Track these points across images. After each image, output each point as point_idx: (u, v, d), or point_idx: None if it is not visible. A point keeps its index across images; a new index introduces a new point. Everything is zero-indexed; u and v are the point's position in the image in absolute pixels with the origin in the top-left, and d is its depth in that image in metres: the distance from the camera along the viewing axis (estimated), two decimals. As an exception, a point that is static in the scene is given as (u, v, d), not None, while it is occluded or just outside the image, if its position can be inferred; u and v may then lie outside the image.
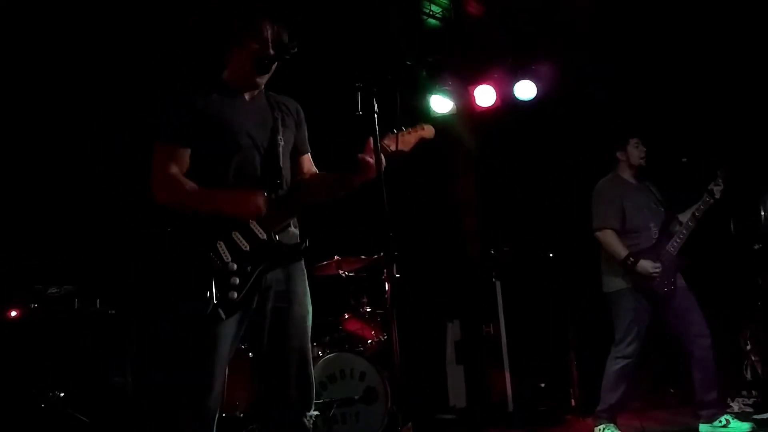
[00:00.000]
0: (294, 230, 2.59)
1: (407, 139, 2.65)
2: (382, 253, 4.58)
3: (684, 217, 4.42)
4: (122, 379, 4.14)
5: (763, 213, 5.06)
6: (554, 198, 6.27)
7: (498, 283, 5.66)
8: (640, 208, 4.46)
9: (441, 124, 6.56)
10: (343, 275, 4.98)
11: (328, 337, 4.74)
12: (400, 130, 2.63)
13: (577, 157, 5.93)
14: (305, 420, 2.47)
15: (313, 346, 4.65)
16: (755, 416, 4.60)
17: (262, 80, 2.59)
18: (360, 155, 2.49)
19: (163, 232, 2.39)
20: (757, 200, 5.05)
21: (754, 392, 5.01)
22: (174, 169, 2.43)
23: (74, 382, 4.11)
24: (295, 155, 2.71)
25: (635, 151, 4.55)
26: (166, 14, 4.60)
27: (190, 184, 2.42)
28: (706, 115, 5.84)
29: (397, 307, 4.87)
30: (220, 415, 4.12)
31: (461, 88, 6.44)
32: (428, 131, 2.75)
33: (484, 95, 6.40)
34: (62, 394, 3.99)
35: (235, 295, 2.32)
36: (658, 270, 4.26)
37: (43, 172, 4.74)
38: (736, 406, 4.98)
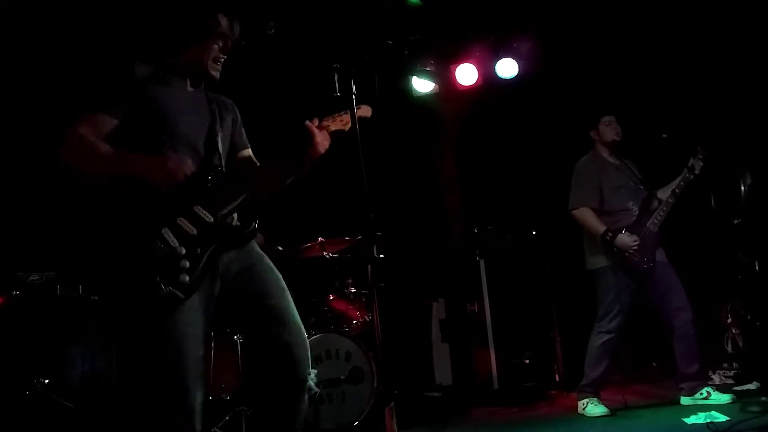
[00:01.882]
0: (238, 217, 2.56)
1: (344, 119, 2.63)
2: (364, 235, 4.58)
3: (664, 193, 4.46)
4: (106, 364, 4.13)
5: (742, 188, 5.10)
6: (537, 176, 6.29)
7: (482, 262, 5.69)
8: (618, 187, 4.50)
9: (423, 103, 6.56)
10: (328, 257, 4.98)
11: (313, 319, 4.75)
12: (338, 110, 2.61)
13: (559, 135, 5.94)
14: (309, 379, 2.50)
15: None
16: (736, 388, 4.67)
17: (217, 74, 2.58)
18: (305, 123, 2.50)
19: (105, 223, 2.33)
20: (737, 176, 5.08)
21: (734, 364, 5.09)
22: (85, 130, 2.33)
23: (58, 368, 4.09)
24: (234, 151, 2.70)
25: (607, 130, 4.59)
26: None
27: (103, 145, 2.33)
28: (687, 91, 5.86)
29: (381, 287, 4.90)
30: (207, 398, 4.16)
31: (442, 67, 6.42)
32: (365, 110, 2.72)
33: (466, 74, 6.39)
34: (46, 381, 3.98)
35: (187, 278, 2.28)
36: (636, 244, 4.30)
37: (21, 158, 4.69)
38: (717, 379, 5.06)
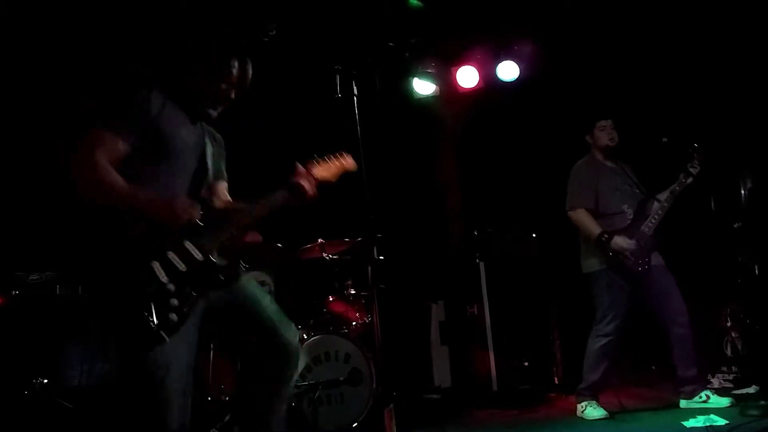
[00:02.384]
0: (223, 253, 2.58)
1: (331, 168, 2.70)
2: (364, 236, 4.59)
3: (660, 197, 4.45)
4: (106, 365, 4.13)
5: (743, 191, 5.10)
6: (537, 179, 6.29)
7: (481, 264, 5.68)
8: (614, 189, 4.51)
9: (424, 106, 6.56)
10: (327, 258, 4.98)
11: (312, 320, 4.75)
12: (321, 158, 2.69)
13: (559, 137, 5.94)
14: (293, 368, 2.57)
15: (297, 329, 4.66)
16: (735, 391, 4.66)
17: (215, 113, 2.61)
18: (294, 178, 2.57)
19: (94, 251, 2.30)
20: (737, 178, 5.09)
21: (734, 368, 5.08)
22: (102, 157, 2.32)
23: (57, 368, 4.09)
24: (215, 180, 2.71)
25: (601, 135, 4.59)
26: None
27: (118, 176, 2.33)
28: (687, 94, 5.87)
29: (381, 288, 4.90)
30: (206, 399, 4.16)
31: (443, 69, 6.42)
32: (349, 163, 2.81)
33: (467, 76, 6.39)
34: (45, 381, 3.98)
35: (175, 317, 2.27)
36: (632, 247, 4.30)
37: (23, 159, 4.69)
38: (716, 382, 5.05)
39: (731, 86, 5.59)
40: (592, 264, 4.49)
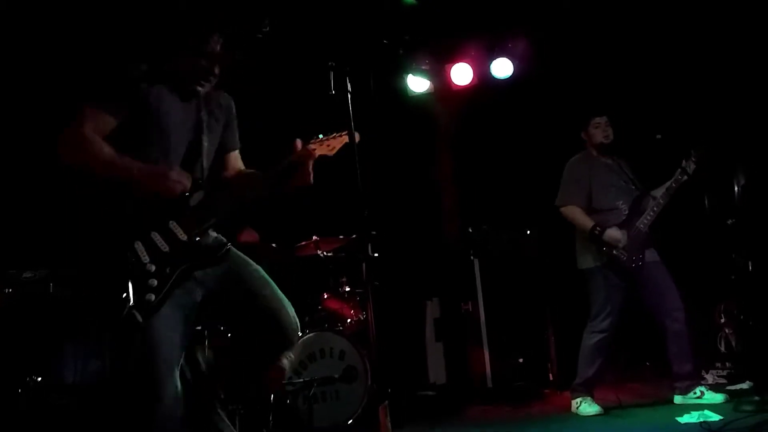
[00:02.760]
0: (214, 234, 2.55)
1: (332, 144, 2.64)
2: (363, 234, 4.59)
3: (656, 194, 4.46)
4: (100, 362, 4.11)
5: (736, 188, 5.11)
6: (532, 176, 6.29)
7: (476, 261, 5.69)
8: (608, 186, 4.51)
9: (418, 103, 6.55)
10: (322, 255, 4.98)
11: (307, 317, 4.75)
12: (325, 135, 2.62)
13: (554, 134, 5.94)
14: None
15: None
16: (729, 387, 4.68)
17: (203, 89, 2.56)
18: (293, 157, 2.51)
19: (79, 228, 2.31)
20: (731, 176, 5.10)
21: (727, 364, 5.09)
22: (89, 128, 2.32)
23: (52, 366, 4.08)
24: (222, 152, 2.68)
25: (596, 132, 4.58)
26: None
27: (106, 146, 2.32)
28: (681, 91, 5.88)
29: (375, 285, 4.90)
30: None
31: (438, 66, 6.41)
32: (353, 136, 2.73)
33: (461, 74, 6.38)
34: (39, 379, 3.96)
35: (153, 297, 2.26)
36: (625, 238, 4.32)
37: (15, 155, 4.67)
38: (710, 378, 5.07)
39: (726, 83, 5.60)
40: (587, 260, 4.50)
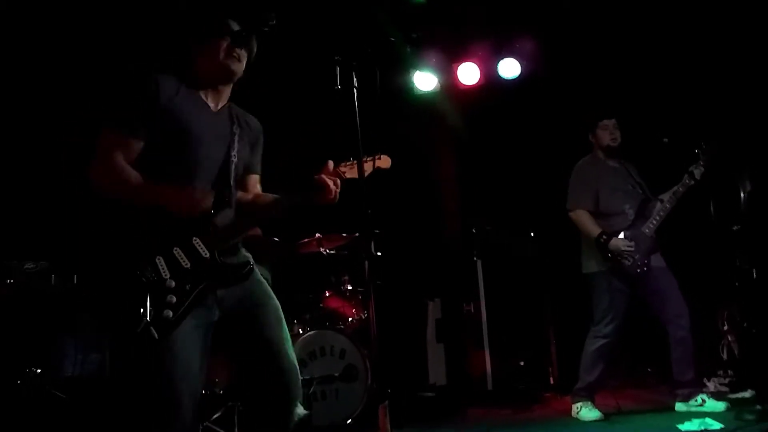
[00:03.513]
0: (243, 252, 2.51)
1: (364, 168, 2.60)
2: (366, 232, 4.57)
3: (663, 198, 4.44)
4: (99, 355, 4.10)
5: (742, 195, 5.08)
6: (536, 177, 6.27)
7: (479, 262, 5.67)
8: (615, 190, 4.50)
9: (424, 101, 6.53)
10: (325, 253, 4.96)
11: (308, 315, 4.73)
12: (358, 157, 2.57)
13: (559, 136, 5.92)
14: (297, 407, 2.44)
15: (293, 323, 4.66)
16: (731, 395, 4.66)
17: (239, 67, 2.49)
18: (317, 176, 2.44)
19: (101, 241, 2.27)
20: (737, 182, 5.07)
21: (730, 372, 5.06)
22: (120, 159, 2.30)
23: (51, 358, 4.07)
24: (244, 173, 2.62)
25: (604, 134, 4.58)
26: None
27: (135, 175, 2.31)
28: (688, 95, 5.85)
29: (377, 284, 4.87)
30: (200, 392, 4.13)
31: (445, 65, 6.39)
32: (385, 162, 2.69)
33: (468, 73, 6.36)
34: (39, 371, 3.95)
35: (170, 314, 2.20)
36: (631, 248, 4.30)
37: (17, 147, 4.66)
38: (712, 386, 5.03)
39: (732, 88, 5.58)
40: (592, 265, 4.48)
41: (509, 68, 6.26)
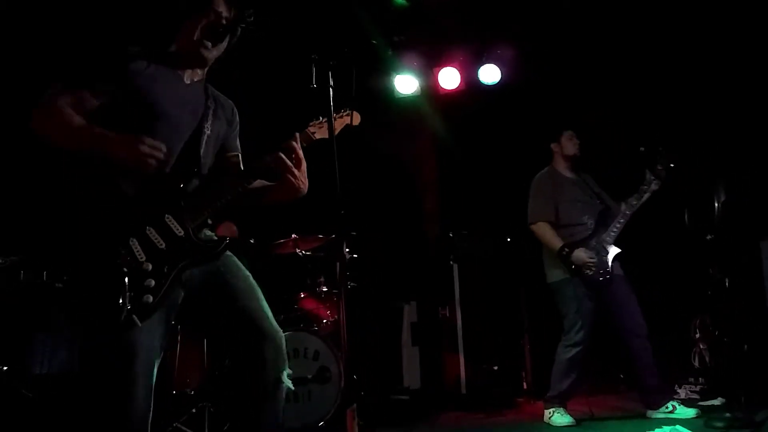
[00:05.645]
0: (209, 230, 2.45)
1: (335, 125, 2.53)
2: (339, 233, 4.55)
3: (621, 207, 4.49)
4: (68, 353, 4.04)
5: (716, 204, 5.13)
6: (515, 182, 6.28)
7: (455, 266, 5.67)
8: (574, 201, 4.57)
9: (405, 104, 6.53)
10: (300, 254, 4.94)
11: (282, 316, 4.70)
12: (325, 116, 2.51)
13: (538, 142, 5.95)
14: (284, 377, 2.37)
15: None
16: (701, 403, 4.70)
17: (211, 54, 2.46)
18: (277, 154, 2.40)
19: (66, 225, 2.17)
20: (711, 191, 5.12)
21: (701, 379, 5.11)
22: (63, 103, 2.22)
23: (19, 356, 4.00)
24: (222, 152, 2.58)
25: (569, 144, 4.66)
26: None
27: (77, 118, 2.21)
28: (665, 104, 5.90)
29: (353, 287, 4.86)
30: (171, 392, 4.09)
31: (426, 69, 6.40)
32: (355, 118, 2.64)
33: (449, 78, 6.37)
34: (5, 368, 3.88)
35: (150, 298, 2.15)
36: (593, 260, 4.35)
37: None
38: (683, 393, 5.09)
39: (709, 98, 5.63)
40: (556, 274, 4.52)
41: (490, 74, 6.29)
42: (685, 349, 5.32)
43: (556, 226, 4.51)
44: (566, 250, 4.38)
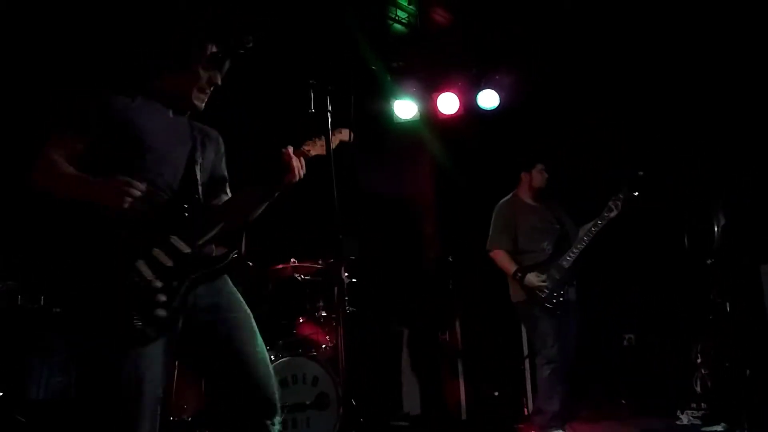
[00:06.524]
0: (215, 248, 2.47)
1: (323, 145, 2.57)
2: (337, 258, 4.55)
3: (580, 233, 4.58)
4: (64, 379, 4.01)
5: (716, 228, 5.14)
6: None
7: (455, 291, 5.66)
8: (533, 229, 4.70)
9: (404, 129, 6.56)
10: (299, 278, 4.92)
11: (281, 341, 4.66)
12: (318, 135, 2.54)
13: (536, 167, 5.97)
14: (272, 426, 2.36)
15: (267, 349, 4.58)
16: (703, 429, 4.67)
17: (202, 104, 2.50)
18: (282, 152, 2.42)
19: (75, 252, 2.20)
20: (711, 215, 5.13)
21: (703, 405, 5.07)
22: (55, 154, 2.26)
23: (14, 381, 3.97)
24: (213, 180, 2.60)
25: (539, 176, 4.80)
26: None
27: (68, 168, 2.25)
28: (664, 128, 5.93)
29: (353, 311, 4.84)
30: (167, 418, 4.05)
31: (425, 94, 6.44)
32: (345, 134, 2.66)
33: (448, 103, 6.40)
34: (1, 394, 3.85)
35: (163, 312, 2.17)
36: (544, 284, 4.45)
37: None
38: (685, 419, 5.04)
39: (706, 123, 5.66)
40: (516, 295, 4.63)
41: (488, 99, 6.32)
42: (687, 374, 5.28)
43: (516, 251, 4.65)
44: (519, 274, 4.52)
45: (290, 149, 2.44)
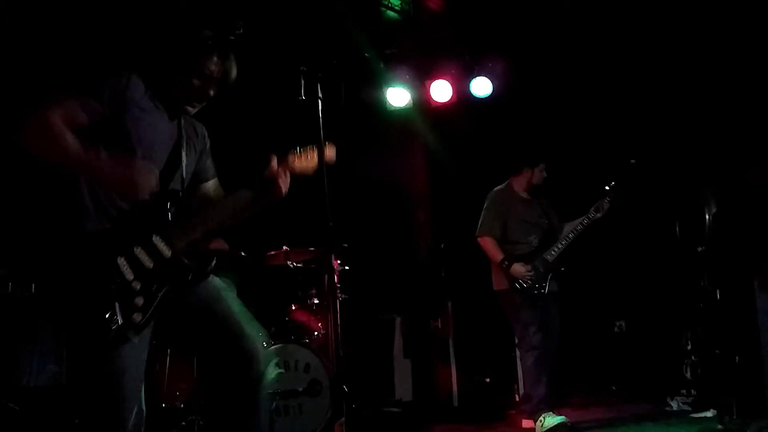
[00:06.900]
0: (199, 250, 2.45)
1: (311, 159, 2.58)
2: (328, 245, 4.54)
3: (566, 229, 4.69)
4: (56, 366, 4.01)
5: (707, 216, 5.16)
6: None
7: (447, 278, 5.68)
8: (523, 221, 4.78)
9: (397, 117, 6.55)
10: (292, 266, 4.92)
11: (273, 328, 4.67)
12: (302, 148, 2.54)
13: (530, 154, 5.97)
14: (268, 370, 2.41)
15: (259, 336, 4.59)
16: (693, 415, 4.70)
17: (192, 110, 2.49)
18: (267, 173, 2.42)
19: (55, 244, 2.19)
20: (702, 203, 5.15)
21: (693, 391, 5.12)
22: (55, 116, 2.16)
23: (6, 368, 3.96)
24: (197, 182, 2.60)
25: (539, 174, 4.87)
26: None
27: (72, 137, 2.16)
28: (656, 116, 5.94)
29: (345, 298, 4.84)
30: (160, 405, 4.06)
31: (418, 82, 6.42)
32: (329, 152, 2.67)
33: (441, 90, 6.39)
34: (-7, 381, 3.85)
35: (140, 317, 2.17)
36: (530, 274, 4.55)
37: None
38: (675, 405, 5.09)
39: (697, 114, 5.67)
40: (501, 282, 4.69)
41: (481, 87, 6.31)
42: (677, 360, 5.32)
43: (504, 241, 4.71)
44: (506, 263, 4.59)
45: (275, 163, 2.43)
